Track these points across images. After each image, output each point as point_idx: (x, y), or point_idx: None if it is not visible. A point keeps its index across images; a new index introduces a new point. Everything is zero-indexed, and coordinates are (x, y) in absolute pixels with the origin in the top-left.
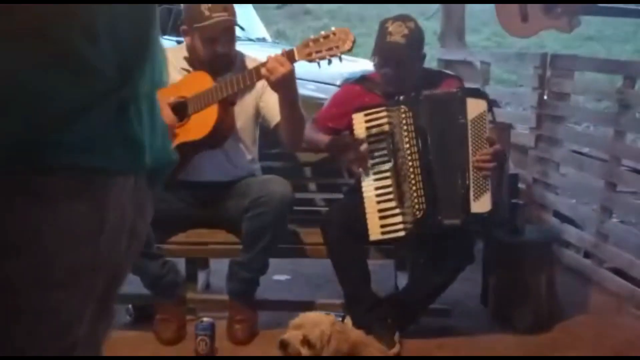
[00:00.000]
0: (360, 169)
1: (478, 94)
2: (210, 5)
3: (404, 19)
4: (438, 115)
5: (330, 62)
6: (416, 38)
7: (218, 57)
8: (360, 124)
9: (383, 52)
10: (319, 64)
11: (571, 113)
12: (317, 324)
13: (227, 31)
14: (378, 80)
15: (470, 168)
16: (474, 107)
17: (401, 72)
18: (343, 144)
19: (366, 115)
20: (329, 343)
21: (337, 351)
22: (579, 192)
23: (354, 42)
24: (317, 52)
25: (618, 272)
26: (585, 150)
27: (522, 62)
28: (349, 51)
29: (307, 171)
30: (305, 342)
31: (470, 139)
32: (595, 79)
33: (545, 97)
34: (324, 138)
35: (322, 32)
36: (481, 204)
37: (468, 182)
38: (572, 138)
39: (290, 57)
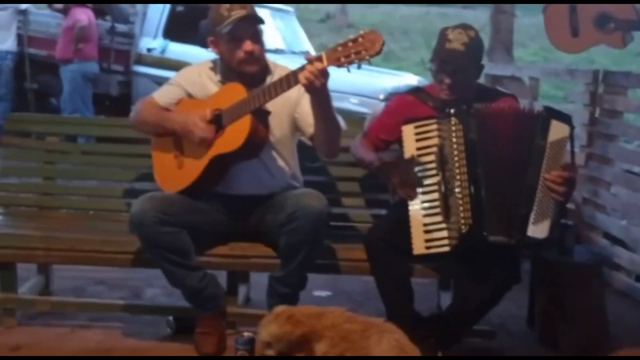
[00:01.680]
0: (405, 195)
1: (564, 118)
2: (228, 5)
3: (465, 27)
4: (508, 130)
5: (359, 66)
6: (475, 47)
7: (247, 57)
8: (409, 136)
9: (441, 57)
10: (348, 68)
11: (623, 131)
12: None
13: (251, 24)
14: (432, 92)
15: (539, 190)
16: (557, 130)
17: (458, 79)
18: (391, 169)
19: (416, 127)
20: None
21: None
22: (631, 213)
23: (382, 44)
24: (345, 56)
25: None
26: (637, 169)
27: (572, 78)
28: (377, 54)
29: (345, 185)
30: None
31: (545, 161)
32: None
33: (596, 115)
34: (373, 159)
35: (351, 36)
36: (539, 229)
37: (532, 204)
38: (624, 157)
39: (318, 62)
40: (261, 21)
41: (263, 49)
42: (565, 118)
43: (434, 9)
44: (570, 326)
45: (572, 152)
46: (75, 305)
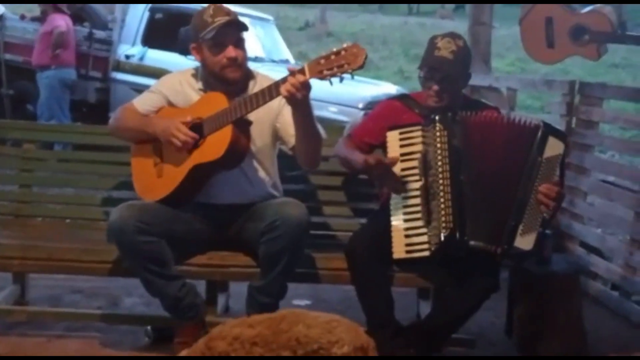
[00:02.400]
0: (392, 191)
1: (561, 135)
2: (212, 11)
3: (454, 36)
4: (498, 140)
5: (341, 79)
6: (463, 56)
7: (230, 63)
8: (394, 141)
9: (430, 65)
10: (330, 81)
11: (599, 141)
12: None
13: (234, 31)
14: (419, 100)
15: (530, 203)
16: (553, 147)
17: (445, 86)
18: (377, 166)
19: (401, 133)
20: None
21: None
22: (607, 223)
23: (365, 58)
24: (328, 69)
25: None
26: (611, 179)
27: (549, 89)
28: (360, 68)
29: (325, 194)
30: None
31: (539, 176)
32: (622, 107)
33: (573, 125)
34: (358, 157)
35: (334, 49)
36: (525, 241)
37: (522, 216)
38: (600, 167)
39: (301, 75)
40: (244, 28)
41: (246, 56)
42: (562, 135)
43: (413, 19)
44: (549, 335)
45: (563, 169)
46: (51, 315)
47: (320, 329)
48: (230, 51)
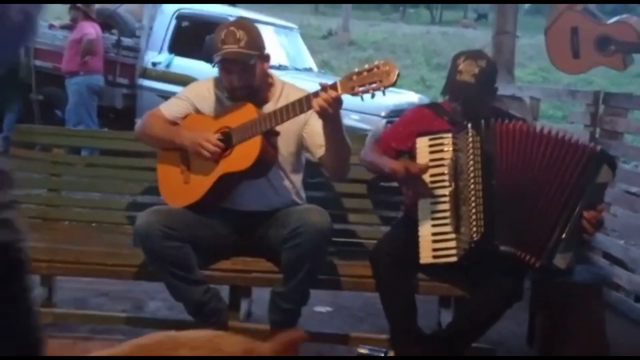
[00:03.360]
0: (419, 196)
1: (612, 164)
2: (223, 36)
3: (475, 56)
4: (537, 152)
5: (373, 95)
6: (486, 76)
7: (235, 88)
8: (423, 148)
9: (453, 90)
10: (362, 97)
11: (623, 152)
12: None
13: (237, 63)
14: (448, 109)
15: (572, 223)
16: (604, 174)
17: (471, 109)
18: (405, 172)
19: (431, 139)
20: None
21: None
22: (630, 234)
23: (398, 75)
24: (360, 86)
25: None
26: (635, 189)
27: (573, 99)
28: (392, 85)
29: (348, 201)
30: None
31: (586, 199)
32: None
33: (597, 136)
34: (386, 163)
35: (367, 65)
36: (563, 260)
37: (563, 234)
38: (624, 178)
39: (333, 91)
40: (249, 60)
41: (253, 78)
42: (613, 165)
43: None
44: (571, 345)
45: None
46: (77, 317)
47: (207, 348)
48: (233, 80)
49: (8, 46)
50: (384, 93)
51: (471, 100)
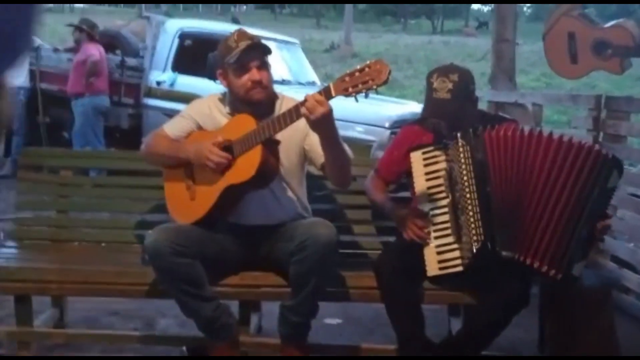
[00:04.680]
0: (418, 238)
1: (621, 167)
2: (236, 37)
3: (447, 72)
4: (535, 154)
5: (367, 95)
6: (462, 89)
7: (254, 85)
8: (418, 162)
9: (432, 109)
10: (356, 98)
11: (627, 155)
12: None
13: (258, 54)
14: (435, 123)
15: (584, 231)
16: (614, 180)
17: (453, 122)
18: (402, 215)
19: (424, 153)
20: None
21: None
22: (638, 236)
23: (389, 73)
24: (353, 86)
25: None
26: None
27: (575, 104)
28: (385, 83)
29: (353, 213)
30: None
31: (594, 203)
32: None
33: (600, 140)
34: (383, 202)
35: (358, 66)
36: (578, 268)
37: (579, 243)
38: (630, 181)
39: (327, 94)
40: (268, 51)
41: (270, 78)
42: (622, 169)
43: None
44: (582, 349)
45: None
46: (89, 337)
47: None
48: (254, 74)
49: None
50: (376, 92)
51: (451, 116)
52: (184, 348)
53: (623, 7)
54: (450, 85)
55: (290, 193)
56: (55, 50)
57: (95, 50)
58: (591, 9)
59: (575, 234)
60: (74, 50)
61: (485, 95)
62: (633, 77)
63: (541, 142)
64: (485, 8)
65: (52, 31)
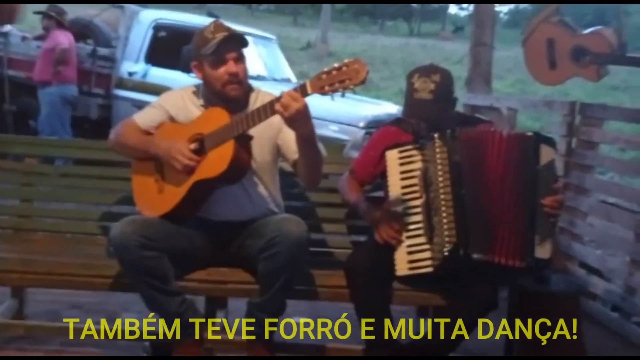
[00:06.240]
0: (390, 239)
1: (550, 141)
2: (212, 28)
3: (429, 72)
4: (495, 153)
5: (343, 94)
6: (443, 90)
7: (231, 78)
8: (393, 161)
9: (412, 109)
10: (332, 96)
11: (599, 162)
12: None
13: (234, 46)
14: (413, 123)
15: (538, 213)
16: (546, 154)
17: (432, 122)
18: (376, 216)
19: (400, 152)
20: None
21: None
22: (607, 243)
23: (367, 73)
24: (330, 84)
25: None
26: (611, 200)
27: (549, 110)
28: (362, 83)
29: (325, 211)
30: None
31: (540, 185)
32: (619, 128)
33: (573, 146)
34: (358, 202)
35: (335, 64)
36: (544, 250)
37: (534, 227)
38: (600, 188)
39: (303, 91)
40: (245, 43)
41: (246, 72)
42: (551, 142)
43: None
44: (549, 355)
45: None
46: (50, 330)
47: None
48: (231, 66)
49: None
50: (354, 91)
51: (432, 116)
52: (147, 343)
53: (599, 17)
54: (432, 86)
55: (262, 189)
56: (24, 39)
57: (64, 38)
58: (568, 18)
59: (528, 219)
60: (43, 37)
61: (461, 98)
62: (606, 87)
63: (494, 141)
64: (463, 13)
65: (22, 18)
